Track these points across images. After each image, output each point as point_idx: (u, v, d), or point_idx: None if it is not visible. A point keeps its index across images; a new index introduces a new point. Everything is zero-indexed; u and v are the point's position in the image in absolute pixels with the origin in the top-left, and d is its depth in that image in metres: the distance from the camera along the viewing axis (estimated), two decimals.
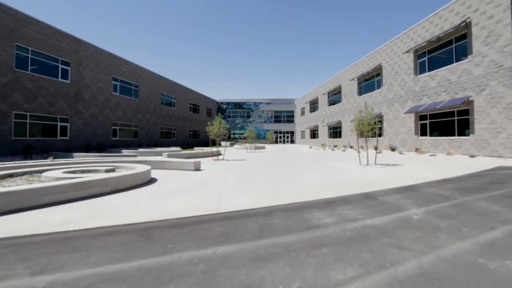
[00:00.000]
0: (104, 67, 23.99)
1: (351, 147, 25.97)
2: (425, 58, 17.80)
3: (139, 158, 12.18)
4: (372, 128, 10.99)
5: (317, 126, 39.40)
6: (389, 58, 21.46)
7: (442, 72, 16.13)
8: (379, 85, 23.11)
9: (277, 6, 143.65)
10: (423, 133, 17.97)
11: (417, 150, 17.44)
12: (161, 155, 16.81)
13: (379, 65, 22.69)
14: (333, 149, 24.60)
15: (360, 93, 26.71)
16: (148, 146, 29.35)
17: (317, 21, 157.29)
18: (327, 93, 35.28)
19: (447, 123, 16.05)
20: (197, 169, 10.35)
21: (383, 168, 9.88)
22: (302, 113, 48.84)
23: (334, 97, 33.70)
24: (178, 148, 22.49)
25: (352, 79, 27.36)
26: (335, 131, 32.74)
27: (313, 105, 42.48)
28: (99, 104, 23.40)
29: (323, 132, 36.57)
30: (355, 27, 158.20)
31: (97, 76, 23.19)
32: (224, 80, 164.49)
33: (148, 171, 7.66)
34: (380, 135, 22.89)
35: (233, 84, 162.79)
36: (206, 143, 46.83)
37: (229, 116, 55.73)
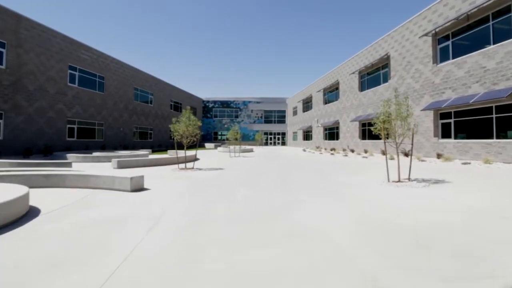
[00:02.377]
0: (57, 52, 19.67)
1: (352, 150, 22.52)
2: (448, 43, 14.49)
3: (66, 171, 8.12)
4: (408, 128, 7.49)
5: (311, 127, 35.97)
6: (399, 46, 18.13)
7: (473, 57, 12.81)
8: (386, 78, 19.77)
9: (268, 7, 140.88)
10: (445, 135, 14.63)
11: (439, 156, 14.04)
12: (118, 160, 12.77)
13: (386, 54, 19.35)
14: (332, 153, 21.11)
15: (362, 88, 23.36)
16: (115, 148, 25.05)
17: (309, 22, 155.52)
18: (322, 90, 31.89)
19: (479, 122, 12.74)
20: (137, 188, 6.50)
21: (433, 190, 6.26)
22: (294, 113, 45.40)
23: (331, 94, 30.32)
24: (145, 152, 18.42)
25: (353, 73, 23.99)
26: (332, 132, 29.33)
27: (307, 104, 39.07)
28: (50, 97, 19.05)
29: (318, 133, 33.14)
30: (347, 29, 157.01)
31: (46, 63, 18.85)
32: (211, 80, 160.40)
33: (13, 202, 3.73)
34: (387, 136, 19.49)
35: (221, 83, 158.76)
36: (191, 145, 42.72)
37: (215, 116, 51.72)
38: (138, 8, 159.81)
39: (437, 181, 7.36)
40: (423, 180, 7.53)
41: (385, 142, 7.79)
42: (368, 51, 22.01)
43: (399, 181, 7.21)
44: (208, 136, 50.96)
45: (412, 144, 7.94)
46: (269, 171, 10.38)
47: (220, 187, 6.81)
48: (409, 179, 7.42)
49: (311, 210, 4.42)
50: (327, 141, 30.34)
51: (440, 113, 14.84)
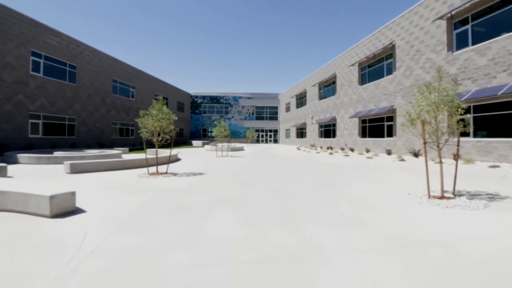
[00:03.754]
0: (16, 35, 16.92)
1: (352, 149, 20.66)
2: (467, 27, 12.66)
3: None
4: (460, 119, 5.55)
5: (305, 124, 34.04)
6: (406, 33, 16.25)
7: (500, 43, 10.99)
8: (390, 70, 17.91)
9: (261, 6, 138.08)
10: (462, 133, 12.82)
11: (457, 157, 12.20)
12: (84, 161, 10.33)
13: (390, 43, 17.45)
14: (330, 153, 19.18)
15: (362, 82, 21.47)
16: (89, 146, 22.43)
17: (299, 21, 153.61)
18: (317, 85, 29.93)
19: (506, 118, 10.99)
20: (63, 212, 4.29)
21: (503, 214, 4.28)
22: (287, 109, 43.40)
23: (327, 89, 28.40)
24: (118, 151, 15.98)
25: (352, 65, 22.05)
26: (328, 130, 27.46)
27: (300, 100, 37.10)
28: (6, 87, 16.34)
29: (313, 130, 31.24)
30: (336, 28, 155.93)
31: (2, 48, 16.12)
32: (201, 77, 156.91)
33: None
34: (390, 135, 17.74)
35: (211, 80, 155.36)
36: (176, 143, 40.22)
37: (204, 112, 49.20)
38: (127, 4, 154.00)
39: (491, 197, 5.43)
40: (471, 195, 5.57)
41: (425, 142, 5.75)
42: (369, 40, 20.09)
43: (442, 197, 5.22)
44: (197, 133, 48.48)
45: (458, 145, 5.89)
46: (261, 179, 8.26)
47: (189, 209, 4.64)
48: (454, 193, 5.43)
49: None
50: (322, 139, 28.48)
51: None
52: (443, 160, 11.79)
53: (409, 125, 6.08)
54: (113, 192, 6.11)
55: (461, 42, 12.93)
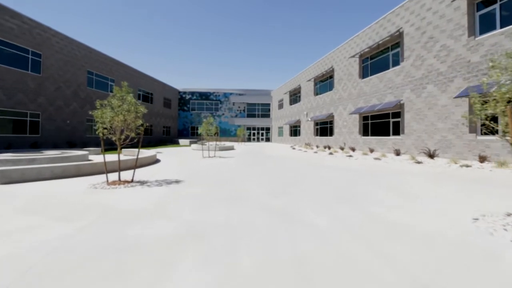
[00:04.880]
0: None
1: (353, 149, 18.79)
2: (495, 6, 10.88)
3: None
4: None
5: (299, 121, 32.12)
6: (416, 19, 14.41)
7: None
8: (397, 60, 16.07)
9: (254, 4, 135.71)
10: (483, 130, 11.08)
11: (483, 159, 10.43)
12: None
13: (397, 31, 15.60)
14: (330, 153, 17.24)
15: (363, 75, 19.61)
16: (57, 146, 19.75)
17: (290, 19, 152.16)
18: (313, 80, 28.01)
19: None
20: None
21: None
22: (280, 106, 41.38)
23: (323, 84, 26.49)
24: (84, 153, 13.49)
25: (353, 57, 20.16)
26: (324, 127, 25.59)
27: (294, 96, 35.14)
28: None
29: (308, 128, 29.33)
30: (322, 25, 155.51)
31: None
32: (191, 73, 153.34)
33: None
34: (397, 132, 15.93)
35: (201, 76, 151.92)
36: (162, 141, 37.71)
37: (193, 109, 46.62)
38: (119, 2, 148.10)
39: None
40: None
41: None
42: (372, 29, 18.22)
43: None
44: (185, 131, 45.90)
45: None
46: (254, 191, 6.13)
47: (136, 259, 2.45)
48: None
49: None
50: (318, 138, 26.60)
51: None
52: (467, 162, 9.83)
53: (479, 113, 4.05)
54: (32, 219, 3.86)
55: (486, 25, 11.15)
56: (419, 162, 10.88)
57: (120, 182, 7.10)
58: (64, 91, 21.01)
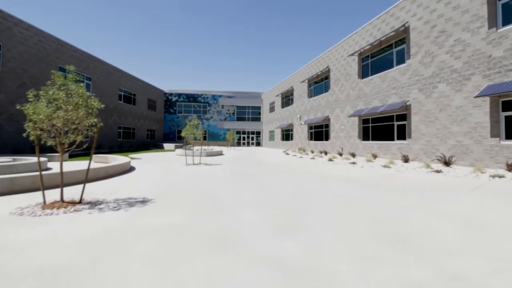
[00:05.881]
0: None
1: (353, 155, 17.24)
2: None
3: None
4: None
5: (291, 125, 30.55)
6: (424, 12, 13.10)
7: None
8: (402, 57, 14.72)
9: (238, 7, 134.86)
10: (510, 134, 9.72)
11: (511, 167, 8.97)
12: None
13: (403, 26, 14.26)
14: (330, 159, 15.59)
15: (362, 75, 18.21)
16: (17, 150, 17.23)
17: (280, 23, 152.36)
18: (307, 81, 26.55)
19: None
20: None
21: None
22: (271, 109, 39.80)
23: (318, 85, 25.03)
24: (41, 159, 11.26)
25: (351, 55, 18.76)
26: (319, 131, 24.06)
27: (287, 98, 33.62)
28: None
29: (301, 132, 27.78)
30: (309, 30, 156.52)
31: None
32: (179, 76, 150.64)
33: None
34: (402, 137, 14.49)
35: (189, 79, 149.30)
36: (145, 145, 35.29)
37: (180, 112, 44.35)
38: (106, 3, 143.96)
39: None
40: None
41: None
42: (373, 25, 16.88)
43: None
44: (171, 135, 43.53)
45: None
46: (248, 225, 4.30)
47: None
48: None
49: None
50: (312, 142, 25.05)
51: (503, 102, 9.90)
52: (494, 171, 8.29)
53: None
54: None
55: (510, 15, 9.84)
56: (438, 171, 9.33)
57: (62, 203, 5.11)
58: (29, 89, 18.51)
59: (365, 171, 10.34)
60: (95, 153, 20.33)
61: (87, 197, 5.87)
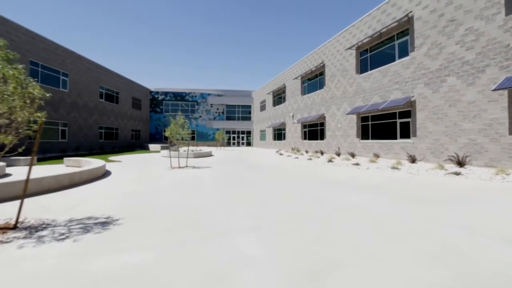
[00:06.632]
0: None
1: (352, 155, 16.16)
2: None
3: None
4: None
5: (284, 124, 29.38)
6: (431, 0, 12.13)
7: None
8: (406, 50, 13.72)
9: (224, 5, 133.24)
10: None
11: None
12: None
13: (406, 16, 13.27)
14: (330, 160, 14.43)
15: (361, 70, 17.18)
16: None
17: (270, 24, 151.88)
18: (300, 78, 25.42)
19: None
20: None
21: None
22: (262, 107, 38.54)
23: (312, 82, 23.93)
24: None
25: (349, 48, 17.70)
26: (314, 130, 22.96)
27: (278, 96, 32.43)
28: None
29: (294, 131, 26.64)
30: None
31: None
32: (166, 75, 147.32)
33: None
34: (406, 135, 13.51)
35: (177, 78, 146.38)
36: (129, 146, 33.35)
37: (166, 111, 42.41)
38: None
39: None
40: None
41: None
42: (372, 17, 15.86)
43: None
44: (157, 135, 41.54)
45: None
46: (246, 268, 2.93)
47: None
48: None
49: None
50: (306, 142, 23.94)
51: None
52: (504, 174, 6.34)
53: None
54: None
55: None
56: (457, 174, 8.28)
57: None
58: None
59: (373, 174, 9.20)
60: (68, 156, 18.47)
61: (32, 216, 4.39)
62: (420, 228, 3.75)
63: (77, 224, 4.07)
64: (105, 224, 4.09)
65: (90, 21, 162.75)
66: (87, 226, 4.00)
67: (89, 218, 4.42)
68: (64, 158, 12.69)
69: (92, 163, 10.80)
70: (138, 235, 3.61)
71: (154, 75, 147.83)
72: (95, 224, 4.09)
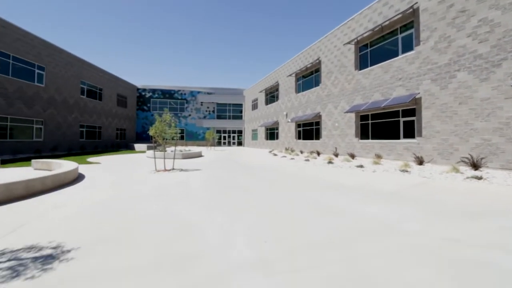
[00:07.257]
0: None
1: (352, 155, 15.25)
2: None
3: None
4: None
5: (277, 123, 28.34)
6: None
7: None
8: (410, 44, 12.88)
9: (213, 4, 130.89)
10: None
11: None
12: None
13: (411, 7, 12.42)
14: (330, 162, 13.43)
15: (360, 66, 16.30)
16: None
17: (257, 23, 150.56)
18: (294, 75, 24.42)
19: None
20: None
21: None
22: (254, 106, 37.38)
23: (307, 79, 22.96)
24: None
25: (347, 43, 16.79)
26: (309, 130, 22.01)
27: (271, 95, 31.37)
28: None
29: (288, 131, 25.63)
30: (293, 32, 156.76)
31: None
32: (155, 75, 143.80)
33: None
34: (410, 134, 12.68)
35: (165, 77, 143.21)
36: (114, 146, 31.56)
37: (154, 109, 40.62)
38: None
39: None
40: None
41: None
42: (373, 9, 14.98)
43: None
44: (144, 134, 39.67)
45: None
46: None
47: None
48: None
49: None
50: (301, 141, 22.97)
51: None
52: None
53: None
54: None
55: None
56: (478, 178, 7.40)
57: None
58: None
59: (383, 178, 8.23)
60: (44, 157, 16.79)
61: None
62: (480, 260, 2.71)
63: (7, 261, 2.83)
64: (48, 259, 2.86)
65: (90, 21, 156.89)
66: (20, 263, 2.77)
67: (31, 248, 3.18)
68: (32, 160, 11.15)
69: (63, 165, 9.39)
70: (91, 283, 2.40)
71: (154, 75, 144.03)
72: (34, 259, 2.86)
